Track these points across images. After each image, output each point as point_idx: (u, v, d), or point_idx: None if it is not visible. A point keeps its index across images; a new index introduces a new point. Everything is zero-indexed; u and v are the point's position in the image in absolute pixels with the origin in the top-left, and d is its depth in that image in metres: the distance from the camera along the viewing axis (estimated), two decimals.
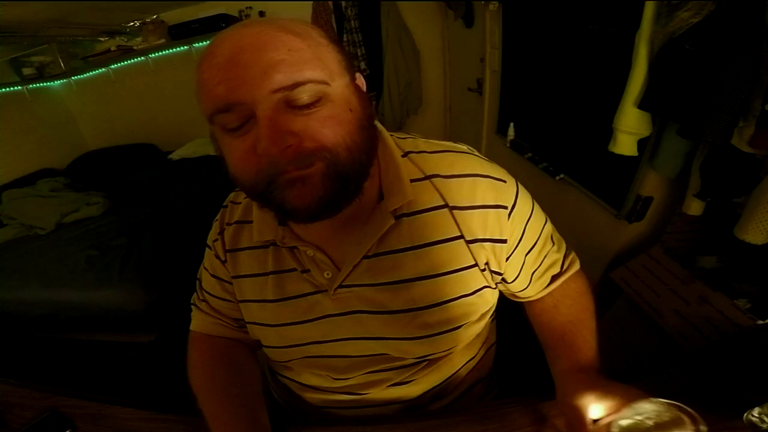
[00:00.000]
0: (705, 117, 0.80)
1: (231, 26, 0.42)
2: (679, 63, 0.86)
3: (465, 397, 0.64)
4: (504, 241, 0.51)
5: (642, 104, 0.98)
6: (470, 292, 0.52)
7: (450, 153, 0.53)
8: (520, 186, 0.54)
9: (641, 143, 1.07)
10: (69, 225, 2.17)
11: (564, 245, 0.60)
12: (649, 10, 0.93)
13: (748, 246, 0.82)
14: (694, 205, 0.97)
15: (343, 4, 2.53)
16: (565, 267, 0.59)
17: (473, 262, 0.51)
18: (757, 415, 0.46)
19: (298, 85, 0.39)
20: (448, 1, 2.30)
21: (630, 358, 1.09)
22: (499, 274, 0.54)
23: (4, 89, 2.61)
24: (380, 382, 0.57)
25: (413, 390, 0.59)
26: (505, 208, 0.50)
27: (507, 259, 0.52)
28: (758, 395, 0.48)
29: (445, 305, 0.51)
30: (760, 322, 0.79)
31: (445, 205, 0.50)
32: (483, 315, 0.57)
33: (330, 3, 2.53)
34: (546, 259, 0.57)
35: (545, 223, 0.57)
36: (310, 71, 0.39)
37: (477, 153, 0.55)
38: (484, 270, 0.52)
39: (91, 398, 0.66)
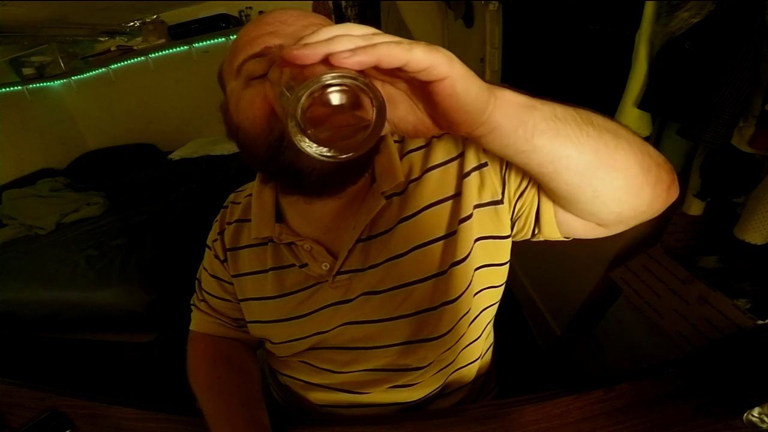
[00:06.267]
0: (705, 117, 0.80)
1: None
2: (679, 63, 0.86)
3: (465, 398, 0.63)
4: (500, 202, 0.49)
5: (642, 104, 0.97)
6: (461, 258, 0.50)
7: None
8: None
9: None
10: (69, 225, 2.18)
11: None
12: (649, 10, 0.92)
13: (748, 246, 0.82)
14: (694, 205, 0.97)
15: (343, 4, 2.53)
16: None
17: (465, 215, 0.49)
18: (757, 415, 0.46)
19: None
20: (448, 1, 2.30)
21: (630, 358, 1.08)
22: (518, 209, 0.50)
23: (4, 89, 2.62)
24: (381, 381, 0.57)
25: (415, 393, 0.58)
26: (486, 164, 0.49)
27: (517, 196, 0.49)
28: (758, 395, 0.48)
29: (436, 278, 0.51)
30: (760, 322, 0.79)
31: (435, 167, 0.50)
32: (482, 308, 0.56)
33: (330, 3, 2.53)
34: None
35: None
36: None
37: None
38: (481, 239, 0.51)
39: (91, 398, 0.65)
